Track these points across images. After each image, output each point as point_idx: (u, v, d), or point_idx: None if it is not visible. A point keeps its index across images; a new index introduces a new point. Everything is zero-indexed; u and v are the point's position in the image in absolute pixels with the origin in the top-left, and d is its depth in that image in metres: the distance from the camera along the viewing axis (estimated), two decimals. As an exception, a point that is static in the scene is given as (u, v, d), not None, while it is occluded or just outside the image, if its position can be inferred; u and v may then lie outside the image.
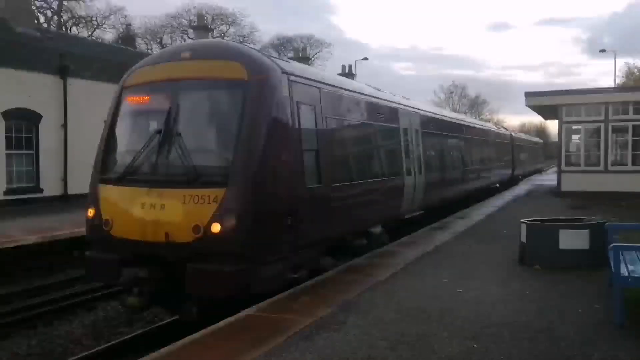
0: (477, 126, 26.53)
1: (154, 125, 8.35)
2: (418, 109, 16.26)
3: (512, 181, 34.29)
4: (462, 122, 23.08)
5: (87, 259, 8.51)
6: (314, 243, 9.00)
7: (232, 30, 59.87)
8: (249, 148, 7.73)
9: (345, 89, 11.24)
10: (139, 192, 7.91)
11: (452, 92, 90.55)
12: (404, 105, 14.98)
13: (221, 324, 6.58)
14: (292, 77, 8.75)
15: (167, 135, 8.00)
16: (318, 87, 9.72)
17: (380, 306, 7.12)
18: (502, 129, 38.26)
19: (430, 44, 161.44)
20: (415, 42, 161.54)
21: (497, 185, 28.96)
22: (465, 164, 21.29)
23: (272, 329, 6.28)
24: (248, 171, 7.67)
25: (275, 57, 9.41)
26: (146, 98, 8.76)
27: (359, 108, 11.73)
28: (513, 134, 40.28)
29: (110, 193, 8.28)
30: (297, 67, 9.82)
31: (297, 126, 8.59)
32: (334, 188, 9.63)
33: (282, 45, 62.79)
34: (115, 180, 8.28)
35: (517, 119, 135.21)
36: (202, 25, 32.18)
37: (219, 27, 57.43)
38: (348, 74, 31.17)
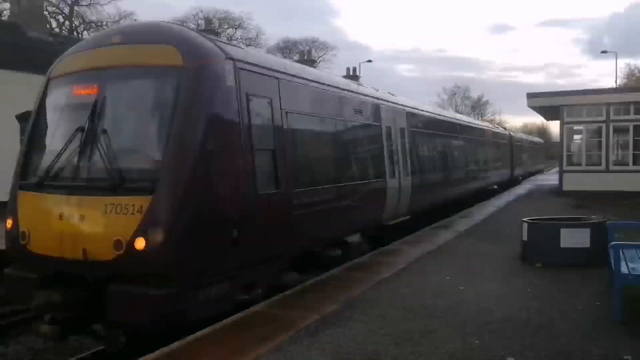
0: (473, 125, 25.28)
1: (78, 122, 7.09)
2: (404, 106, 14.87)
3: (512, 182, 33.72)
4: (456, 121, 21.77)
5: (5, 277, 7.38)
6: (272, 257, 7.91)
7: (238, 33, 60.22)
8: (181, 147, 6.60)
9: (314, 81, 9.92)
10: (58, 200, 6.86)
11: (455, 94, 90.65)
12: (387, 101, 13.63)
13: (228, 320, 6.67)
14: (240, 64, 7.51)
15: (90, 133, 6.91)
16: (276, 77, 8.47)
17: (384, 303, 7.23)
18: (500, 128, 37.27)
19: (433, 46, 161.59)
20: (418, 44, 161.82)
21: (496, 186, 28.33)
22: (458, 165, 20.23)
23: (278, 325, 6.38)
24: (180, 175, 6.52)
25: (220, 40, 8.02)
26: (70, 90, 7.51)
27: (331, 103, 10.40)
28: (512, 134, 39.32)
29: (28, 201, 7.20)
30: (248, 53, 8.57)
31: (246, 122, 7.36)
32: (298, 194, 8.48)
33: (288, 48, 63.15)
34: (34, 186, 7.19)
35: (519, 119, 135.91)
36: (209, 29, 32.22)
37: (225, 31, 57.66)
38: (352, 76, 31.14)
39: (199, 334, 6.22)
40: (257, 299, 7.49)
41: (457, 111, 63.83)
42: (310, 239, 9.13)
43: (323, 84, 10.32)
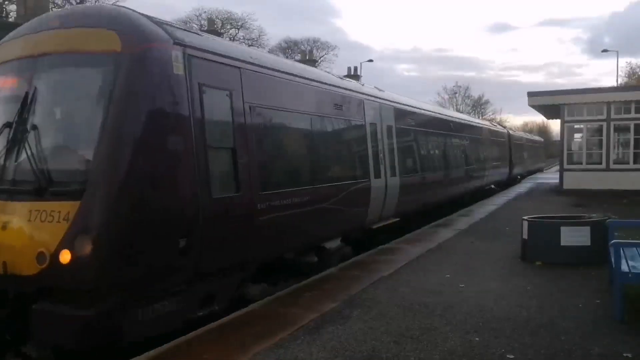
0: (468, 123, 24.20)
1: (5, 118, 6.43)
2: (392, 102, 13.93)
3: (510, 182, 33.12)
4: (450, 118, 20.70)
5: None
6: (231, 267, 7.22)
7: (241, 34, 60.41)
8: (114, 144, 5.78)
9: (286, 73, 8.99)
10: None
11: (455, 93, 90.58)
12: (373, 96, 12.69)
13: (228, 318, 6.68)
14: (192, 51, 6.68)
15: (18, 130, 6.21)
16: (237, 67, 7.56)
17: (384, 301, 7.23)
18: (498, 126, 36.46)
19: (433, 46, 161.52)
20: (418, 44, 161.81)
21: (493, 186, 27.60)
22: (453, 164, 19.25)
23: (277, 323, 6.39)
24: (112, 176, 5.70)
25: (170, 24, 7.06)
26: (3, 81, 6.77)
27: (306, 97, 9.51)
28: (511, 132, 38.33)
29: None
30: (204, 39, 7.44)
31: (198, 116, 6.54)
32: (263, 197, 7.66)
33: (289, 48, 63.43)
34: None
35: (519, 118, 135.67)
36: (212, 29, 32.32)
37: (228, 31, 57.78)
38: (353, 75, 31.25)
39: (199, 331, 6.23)
40: (215, 315, 6.77)
41: (457, 110, 63.46)
42: (279, 246, 8.43)
43: (297, 76, 9.38)
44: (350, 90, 11.59)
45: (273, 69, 8.61)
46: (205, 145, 6.62)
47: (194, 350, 5.66)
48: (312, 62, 36.95)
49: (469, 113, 73.16)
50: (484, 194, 24.83)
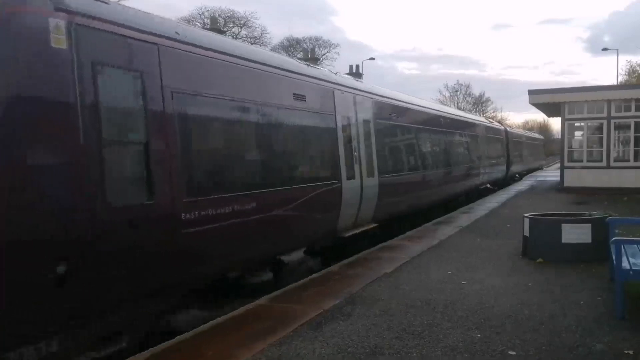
0: (461, 118, 22.69)
1: None
2: (371, 93, 12.58)
3: (507, 181, 31.95)
4: (440, 113, 19.06)
5: None
6: (144, 295, 5.92)
7: (243, 32, 60.57)
8: None
9: (225, 53, 7.47)
10: None
11: (457, 91, 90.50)
12: (346, 86, 11.23)
13: (231, 315, 6.72)
14: (81, 20, 5.30)
15: None
16: (154, 43, 6.16)
17: (386, 298, 7.26)
18: (495, 122, 34.73)
19: (434, 45, 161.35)
20: (419, 42, 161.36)
21: (489, 185, 26.57)
22: (442, 162, 17.92)
23: (280, 320, 6.42)
24: None
25: None
26: None
27: (254, 84, 8.01)
28: (508, 129, 36.63)
29: None
30: (103, 5, 5.82)
31: (89, 102, 5.25)
32: (190, 205, 6.30)
33: (292, 46, 63.53)
34: None
35: (520, 116, 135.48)
36: (215, 28, 32.24)
37: (231, 30, 57.81)
38: (355, 73, 31.08)
39: (203, 327, 6.27)
40: (118, 354, 5.65)
41: (459, 108, 62.98)
42: (215, 265, 7.09)
43: (243, 58, 7.87)
44: (315, 78, 10.05)
45: (208, 49, 7.07)
46: (101, 139, 5.32)
47: (197, 347, 5.69)
48: (314, 60, 36.87)
49: (470, 111, 73.06)
50: (479, 194, 23.88)
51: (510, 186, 29.00)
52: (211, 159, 7.06)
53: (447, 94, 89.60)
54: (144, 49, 6.04)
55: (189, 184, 6.39)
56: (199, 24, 54.30)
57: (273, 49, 51.64)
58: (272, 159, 8.37)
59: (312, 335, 5.84)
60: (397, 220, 13.77)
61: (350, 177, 10.74)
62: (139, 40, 5.98)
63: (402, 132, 14.55)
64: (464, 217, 15.79)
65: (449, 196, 18.94)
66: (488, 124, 28.92)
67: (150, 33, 6.21)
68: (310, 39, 66.34)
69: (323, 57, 63.77)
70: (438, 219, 15.42)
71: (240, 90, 7.64)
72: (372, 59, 56.20)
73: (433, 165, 16.75)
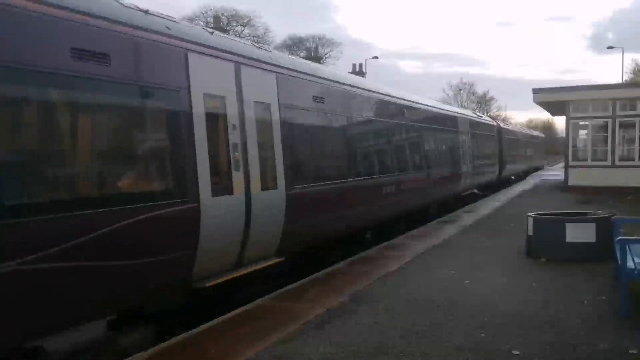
0: (434, 110, 18.24)
1: None
2: (270, 65, 8.54)
3: (500, 184, 28.35)
4: (400, 101, 14.49)
5: None
6: None
7: (246, 31, 60.63)
8: None
9: None
10: None
11: (460, 90, 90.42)
12: (214, 48, 7.32)
13: (235, 312, 6.73)
14: None
15: None
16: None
17: (390, 297, 7.26)
18: (484, 117, 30.22)
19: (437, 43, 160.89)
20: (422, 40, 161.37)
21: (476, 191, 22.82)
22: (404, 164, 14.08)
23: (284, 318, 6.43)
24: None
25: None
26: None
27: None
28: (502, 125, 32.55)
29: None
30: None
31: None
32: None
33: (295, 45, 63.52)
34: None
35: (524, 115, 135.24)
36: (218, 26, 32.33)
37: (234, 28, 57.93)
38: (358, 72, 30.98)
39: (206, 325, 6.28)
40: None
41: (462, 107, 61.09)
42: None
43: None
44: (133, 27, 6.05)
45: None
46: None
47: (201, 345, 5.70)
48: (318, 59, 36.84)
49: (473, 109, 73.00)
50: (461, 201, 20.19)
51: (504, 190, 25.80)
52: None
53: (451, 93, 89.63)
54: None
55: None
56: (202, 22, 54.48)
57: (276, 48, 51.69)
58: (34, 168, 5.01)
59: (315, 334, 5.84)
60: (332, 245, 10.44)
61: (223, 191, 7.11)
62: None
63: (337, 124, 10.73)
64: (467, 217, 15.79)
65: (413, 207, 14.86)
66: (476, 119, 24.96)
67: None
68: (313, 37, 66.43)
69: (326, 56, 63.85)
70: (442, 218, 15.41)
71: None
72: (376, 57, 55.96)
73: (387, 168, 12.98)
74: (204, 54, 7.09)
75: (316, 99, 9.89)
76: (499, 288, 7.65)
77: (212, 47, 7.35)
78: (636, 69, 60.76)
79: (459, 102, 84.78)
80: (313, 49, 45.88)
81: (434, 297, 7.19)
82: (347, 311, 6.63)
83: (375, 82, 15.40)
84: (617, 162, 22.58)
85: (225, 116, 7.39)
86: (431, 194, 16.43)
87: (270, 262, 8.17)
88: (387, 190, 12.63)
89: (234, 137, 7.50)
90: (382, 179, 12.43)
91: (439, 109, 19.31)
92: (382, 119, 13.05)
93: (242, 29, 60.67)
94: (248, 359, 5.22)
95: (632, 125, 22.49)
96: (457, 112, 21.93)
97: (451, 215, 16.13)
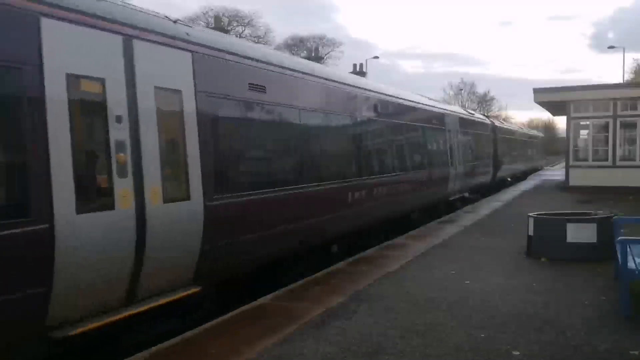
0: (416, 105, 15.84)
1: None
2: (183, 41, 6.75)
3: (494, 186, 26.67)
4: (369, 93, 12.38)
5: None
6: None
7: (247, 31, 60.79)
8: None
9: None
10: None
11: (461, 89, 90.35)
12: (89, 14, 5.58)
13: (235, 312, 6.72)
14: None
15: None
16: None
17: (390, 296, 7.25)
18: (477, 115, 27.91)
19: (438, 43, 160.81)
20: (423, 40, 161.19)
21: (466, 194, 20.94)
22: (374, 167, 12.16)
23: (284, 318, 6.42)
24: None
25: None
26: None
27: None
28: (496, 124, 30.29)
29: None
30: None
31: None
32: None
33: (296, 45, 63.67)
34: None
35: (525, 114, 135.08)
36: (219, 27, 32.37)
37: (235, 29, 57.98)
38: (359, 72, 30.96)
39: (206, 325, 6.27)
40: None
41: (463, 107, 60.11)
42: None
43: None
44: None
45: None
46: None
47: (201, 345, 5.69)
48: (318, 59, 36.85)
49: (474, 109, 72.88)
50: (448, 207, 18.33)
51: (498, 194, 23.98)
52: None
53: (452, 93, 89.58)
54: None
55: None
56: (203, 23, 54.48)
57: (277, 48, 51.73)
58: None
59: (315, 334, 5.83)
60: (273, 267, 8.65)
61: (96, 205, 5.50)
62: None
63: (283, 118, 8.82)
64: (468, 217, 15.78)
65: (390, 214, 13.15)
66: (466, 116, 22.89)
67: None
68: (314, 37, 66.55)
69: (327, 55, 63.90)
70: (442, 218, 15.39)
71: None
72: (376, 57, 55.89)
73: (354, 171, 11.07)
74: (68, 20, 5.33)
75: (254, 87, 7.99)
76: (499, 288, 7.64)
77: (84, 13, 5.52)
78: (637, 68, 60.67)
79: (460, 102, 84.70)
80: (314, 49, 45.95)
81: (434, 297, 7.18)
82: (347, 311, 6.62)
83: (342, 72, 13.91)
84: (618, 162, 22.57)
85: (103, 105, 5.65)
86: (412, 199, 14.50)
87: (180, 295, 6.39)
88: (355, 196, 10.79)
89: (119, 133, 5.75)
90: (347, 184, 10.55)
91: (423, 104, 16.79)
92: (346, 114, 11.08)
93: (243, 29, 60.83)
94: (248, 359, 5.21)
95: (633, 125, 22.48)
96: (445, 109, 19.77)
97: (451, 216, 16.11)
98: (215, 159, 6.95)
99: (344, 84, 11.40)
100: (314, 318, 6.37)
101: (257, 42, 48.14)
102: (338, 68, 52.79)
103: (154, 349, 5.57)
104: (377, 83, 14.22)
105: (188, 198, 6.49)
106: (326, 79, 10.52)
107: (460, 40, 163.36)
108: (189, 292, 6.51)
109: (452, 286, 7.76)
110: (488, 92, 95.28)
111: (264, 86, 8.21)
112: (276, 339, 5.70)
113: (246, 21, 60.94)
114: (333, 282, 8.15)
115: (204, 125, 6.80)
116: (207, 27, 51.18)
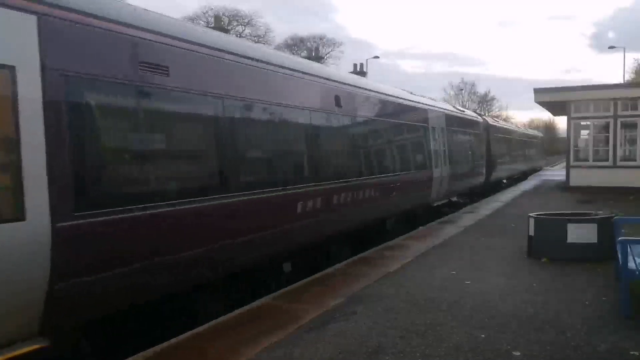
0: (391, 98, 13.84)
1: None
2: (33, 2, 4.75)
3: (488, 189, 24.95)
4: (338, 85, 10.72)
5: None
6: None
7: (247, 31, 60.82)
8: None
9: None
10: None
11: (461, 89, 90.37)
12: None
13: (234, 313, 6.71)
14: None
15: None
16: None
17: (390, 297, 7.23)
18: (468, 112, 25.94)
19: (438, 42, 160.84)
20: (423, 40, 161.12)
21: (455, 198, 19.53)
22: (333, 170, 10.12)
23: (283, 319, 6.41)
24: None
25: None
26: None
27: None
28: (490, 122, 28.50)
29: None
30: None
31: None
32: None
33: (296, 45, 63.71)
34: None
35: (526, 115, 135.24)
36: (219, 26, 32.37)
37: (235, 28, 58.02)
38: (359, 72, 30.97)
39: (206, 326, 6.26)
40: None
41: (463, 106, 59.02)
42: None
43: None
44: None
45: None
46: None
47: (201, 345, 5.68)
48: (319, 59, 36.84)
49: (475, 110, 72.79)
50: (429, 215, 16.26)
51: (492, 197, 22.42)
52: None
53: (452, 93, 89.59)
54: None
55: None
56: (203, 22, 54.49)
57: (277, 47, 51.74)
58: None
59: (314, 335, 5.82)
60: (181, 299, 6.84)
61: None
62: None
63: (200, 110, 6.83)
64: (468, 217, 15.75)
65: (356, 224, 11.38)
66: (455, 113, 21.02)
67: None
68: (314, 37, 66.60)
69: (327, 55, 63.93)
70: (442, 219, 15.38)
71: None
72: (377, 57, 55.86)
73: (306, 175, 9.16)
74: None
75: (149, 67, 5.96)
76: (499, 288, 7.62)
77: None
78: (637, 68, 60.68)
79: (461, 102, 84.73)
80: (314, 49, 45.97)
81: (434, 297, 7.16)
82: (347, 312, 6.60)
83: (295, 57, 11.61)
84: (618, 163, 22.56)
85: None
86: (383, 206, 12.55)
87: (14, 353, 4.55)
88: (306, 206, 8.91)
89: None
90: (294, 191, 8.56)
91: (400, 98, 14.71)
92: (297, 106, 8.95)
93: (243, 28, 60.86)
94: (247, 360, 5.20)
95: (634, 125, 22.47)
96: (428, 104, 17.34)
97: (451, 216, 16.09)
98: (77, 163, 5.02)
99: (300, 71, 9.36)
100: (314, 319, 6.36)
101: (257, 42, 48.08)
102: (338, 67, 52.81)
103: (153, 349, 5.56)
104: (338, 71, 11.99)
105: (21, 218, 4.48)
106: (268, 63, 8.35)
107: (460, 40, 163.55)
108: (29, 348, 4.64)
109: (452, 286, 7.75)
110: (489, 92, 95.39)
111: (167, 66, 6.18)
112: (275, 340, 5.68)
113: (246, 21, 61.09)
114: (333, 282, 8.13)
115: (56, 117, 4.84)
116: (207, 26, 51.36)
